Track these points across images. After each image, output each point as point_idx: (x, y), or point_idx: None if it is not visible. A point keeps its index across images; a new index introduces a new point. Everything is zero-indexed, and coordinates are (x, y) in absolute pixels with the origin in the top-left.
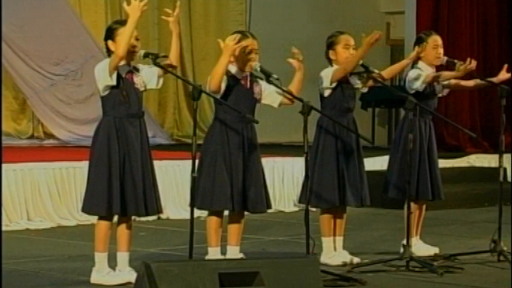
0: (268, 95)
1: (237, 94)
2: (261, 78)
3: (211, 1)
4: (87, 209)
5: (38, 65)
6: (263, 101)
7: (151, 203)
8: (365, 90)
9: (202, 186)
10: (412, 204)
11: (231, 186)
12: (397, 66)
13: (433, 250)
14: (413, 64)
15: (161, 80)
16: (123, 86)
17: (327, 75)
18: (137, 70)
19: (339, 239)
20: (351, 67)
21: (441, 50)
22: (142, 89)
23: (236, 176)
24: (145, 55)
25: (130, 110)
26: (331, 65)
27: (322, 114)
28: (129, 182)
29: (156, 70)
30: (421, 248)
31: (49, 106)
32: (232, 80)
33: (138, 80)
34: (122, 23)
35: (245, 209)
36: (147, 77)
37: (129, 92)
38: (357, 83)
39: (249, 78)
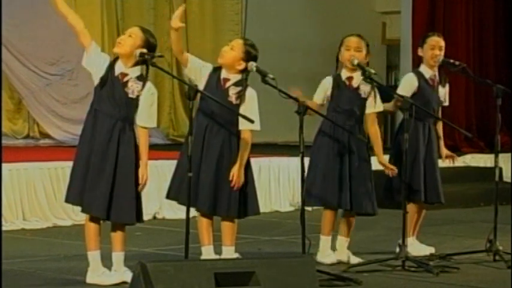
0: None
1: (210, 91)
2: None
3: (207, 1)
4: (65, 198)
5: (34, 65)
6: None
7: (118, 209)
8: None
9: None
10: (412, 205)
11: (196, 186)
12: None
13: (428, 250)
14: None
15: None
16: (108, 81)
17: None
18: (141, 79)
19: (341, 239)
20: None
21: (438, 52)
22: (131, 95)
23: (206, 176)
24: (141, 55)
25: (110, 109)
26: (337, 67)
27: (319, 114)
28: (92, 180)
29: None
30: (416, 248)
31: (45, 106)
32: (214, 77)
33: (133, 87)
34: None
35: (212, 212)
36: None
37: (112, 90)
38: (365, 91)
39: (231, 81)
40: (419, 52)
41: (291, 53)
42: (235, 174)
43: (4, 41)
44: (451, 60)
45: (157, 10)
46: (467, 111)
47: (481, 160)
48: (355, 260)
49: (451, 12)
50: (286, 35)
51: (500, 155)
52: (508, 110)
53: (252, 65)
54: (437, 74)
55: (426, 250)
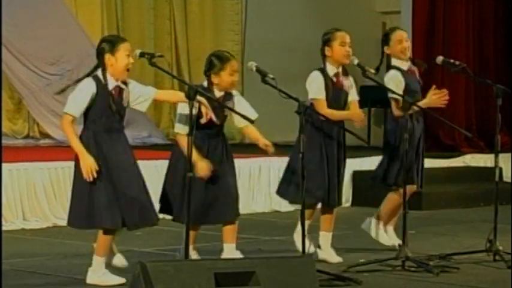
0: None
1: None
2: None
3: (207, 1)
4: (70, 223)
5: (34, 65)
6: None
7: (140, 214)
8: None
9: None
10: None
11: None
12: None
13: (396, 241)
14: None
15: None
16: (112, 100)
17: (313, 90)
18: (126, 84)
19: (324, 234)
20: (333, 119)
21: (406, 44)
22: (126, 104)
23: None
24: (141, 55)
25: (112, 125)
26: (324, 62)
27: (319, 115)
28: (131, 195)
29: (151, 94)
30: (392, 238)
31: (45, 106)
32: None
33: (126, 96)
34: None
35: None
36: (137, 96)
37: (115, 107)
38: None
39: (224, 94)
40: (386, 50)
41: (291, 53)
42: None
43: (4, 41)
44: (451, 60)
45: (157, 10)
46: (467, 111)
47: (481, 160)
48: (335, 259)
49: (451, 12)
50: (286, 35)
51: (500, 155)
52: (508, 110)
53: (252, 64)
54: (411, 64)
55: (396, 241)
